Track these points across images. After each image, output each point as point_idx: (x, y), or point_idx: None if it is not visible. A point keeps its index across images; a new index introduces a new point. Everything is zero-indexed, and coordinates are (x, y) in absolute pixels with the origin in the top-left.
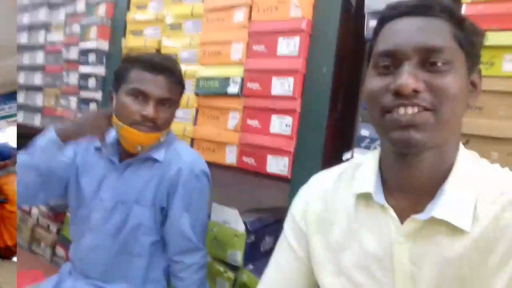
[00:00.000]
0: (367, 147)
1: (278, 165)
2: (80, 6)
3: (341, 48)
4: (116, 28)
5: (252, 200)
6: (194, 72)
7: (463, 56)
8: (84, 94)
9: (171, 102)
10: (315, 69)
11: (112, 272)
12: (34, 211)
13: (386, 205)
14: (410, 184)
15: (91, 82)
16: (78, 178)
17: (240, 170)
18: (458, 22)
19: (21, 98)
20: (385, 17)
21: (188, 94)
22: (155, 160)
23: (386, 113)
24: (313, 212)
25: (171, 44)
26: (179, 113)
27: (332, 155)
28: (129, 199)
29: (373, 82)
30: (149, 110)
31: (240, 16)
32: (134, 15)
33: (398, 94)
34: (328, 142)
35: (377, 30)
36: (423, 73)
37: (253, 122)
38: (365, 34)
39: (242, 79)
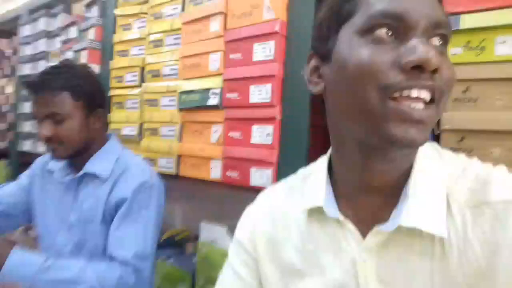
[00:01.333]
0: None
1: (261, 177)
2: (73, 33)
3: None
4: (106, 50)
5: (240, 216)
6: (176, 87)
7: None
8: None
9: (60, 116)
10: (293, 72)
11: None
12: None
13: (341, 218)
14: (374, 187)
15: None
16: (37, 205)
17: (226, 185)
18: None
19: (26, 127)
20: None
21: (172, 110)
22: (97, 176)
23: (390, 99)
24: (262, 234)
25: (154, 61)
26: (164, 130)
27: None
28: (83, 218)
29: (367, 52)
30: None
31: (215, 25)
32: (120, 36)
33: (418, 69)
34: (313, 149)
35: None
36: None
37: (235, 134)
38: None
39: (222, 90)
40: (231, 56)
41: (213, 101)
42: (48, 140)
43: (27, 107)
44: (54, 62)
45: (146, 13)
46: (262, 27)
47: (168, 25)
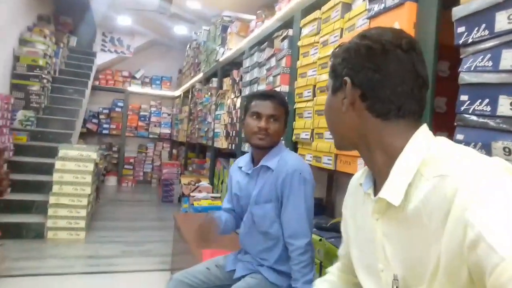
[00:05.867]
0: None
1: None
2: (273, 62)
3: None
4: (292, 74)
5: None
6: None
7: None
8: None
9: (276, 117)
10: None
11: (254, 248)
12: None
13: (368, 191)
14: (371, 170)
15: None
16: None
17: None
18: None
19: None
20: None
21: None
22: (269, 168)
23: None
24: (349, 202)
25: (322, 79)
26: (326, 134)
27: None
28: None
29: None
30: (262, 123)
31: None
32: (301, 62)
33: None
34: None
35: None
36: None
37: None
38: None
39: None
40: None
41: None
42: (263, 131)
43: None
44: (262, 85)
45: (318, 42)
46: None
47: (331, 50)
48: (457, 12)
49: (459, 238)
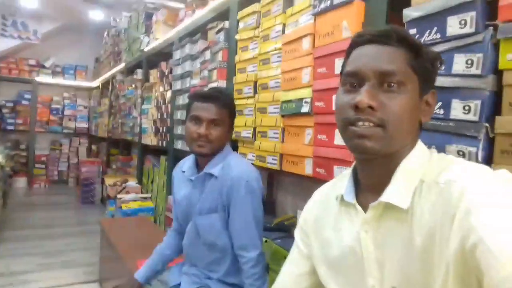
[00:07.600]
0: None
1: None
2: (207, 55)
3: None
4: (230, 68)
5: None
6: (279, 97)
7: (417, 79)
8: None
9: (218, 122)
10: None
11: (201, 260)
12: None
13: (353, 201)
14: (371, 183)
15: None
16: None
17: (316, 179)
18: (414, 50)
19: (179, 130)
20: (354, 43)
21: (276, 116)
22: (213, 175)
23: (349, 125)
24: (311, 217)
25: (264, 76)
26: (270, 133)
27: None
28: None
29: (340, 97)
30: (201, 129)
31: (306, 44)
32: (239, 57)
33: (357, 108)
34: None
35: (347, 53)
36: (380, 93)
37: (322, 137)
38: None
39: (311, 99)
40: (319, 70)
41: (305, 109)
42: (203, 138)
43: (179, 114)
44: (196, 79)
45: (258, 37)
46: (341, 45)
47: (272, 45)
48: (409, 13)
49: (464, 242)
